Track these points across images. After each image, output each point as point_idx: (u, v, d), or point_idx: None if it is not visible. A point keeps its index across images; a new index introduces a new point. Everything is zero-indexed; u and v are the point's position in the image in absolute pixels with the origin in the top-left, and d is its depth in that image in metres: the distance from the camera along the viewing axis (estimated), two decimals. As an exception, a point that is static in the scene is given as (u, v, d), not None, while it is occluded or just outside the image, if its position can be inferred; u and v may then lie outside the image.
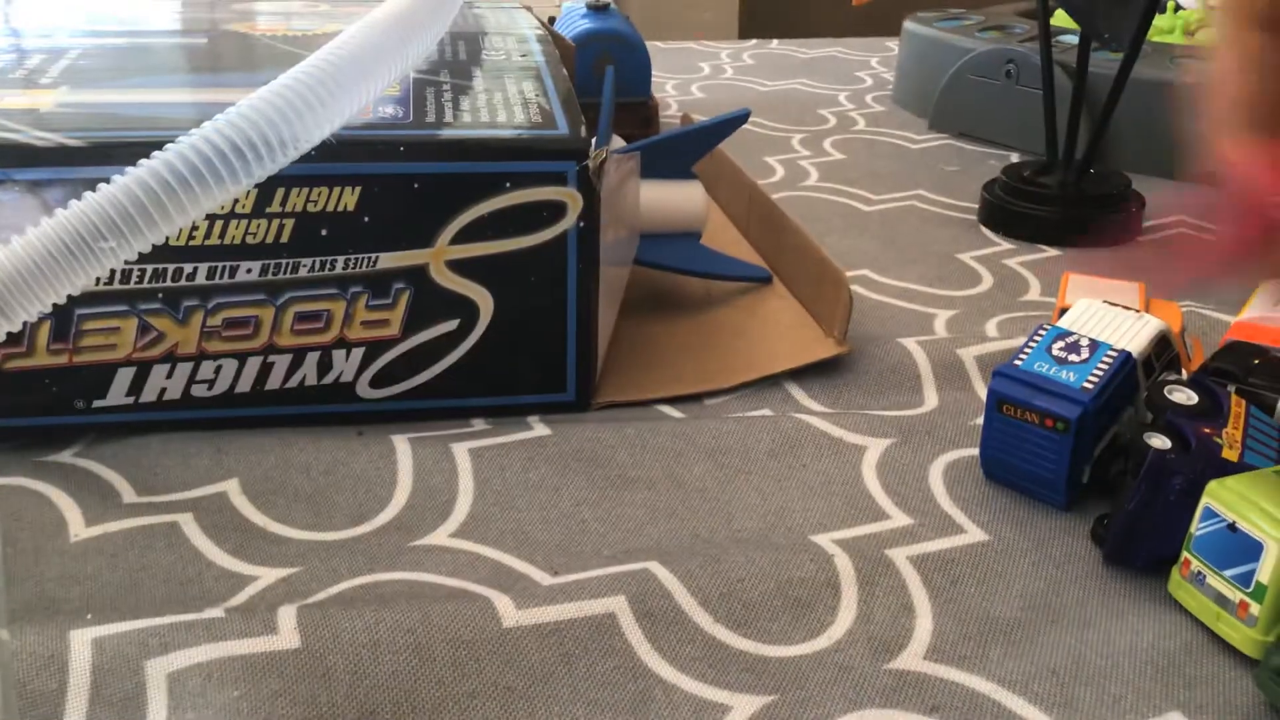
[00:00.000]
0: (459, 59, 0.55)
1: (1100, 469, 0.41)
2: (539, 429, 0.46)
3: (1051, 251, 0.67)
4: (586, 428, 0.47)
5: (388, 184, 0.44)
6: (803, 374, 0.51)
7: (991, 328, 0.56)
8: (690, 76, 1.11)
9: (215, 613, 0.34)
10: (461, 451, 0.45)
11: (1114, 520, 0.38)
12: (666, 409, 0.49)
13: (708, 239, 0.60)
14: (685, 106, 1.00)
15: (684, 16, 2.22)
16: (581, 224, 0.45)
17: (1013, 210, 0.70)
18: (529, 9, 0.70)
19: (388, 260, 0.44)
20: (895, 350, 0.53)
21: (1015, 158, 0.84)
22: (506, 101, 0.49)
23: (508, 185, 0.44)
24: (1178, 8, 1.02)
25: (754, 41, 1.30)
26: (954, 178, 0.80)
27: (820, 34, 1.32)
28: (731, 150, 0.68)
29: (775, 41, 1.29)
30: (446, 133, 0.45)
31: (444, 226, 0.44)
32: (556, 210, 0.45)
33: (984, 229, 0.71)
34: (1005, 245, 0.68)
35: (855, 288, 0.61)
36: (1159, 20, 0.97)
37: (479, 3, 0.70)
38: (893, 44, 1.26)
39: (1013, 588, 0.38)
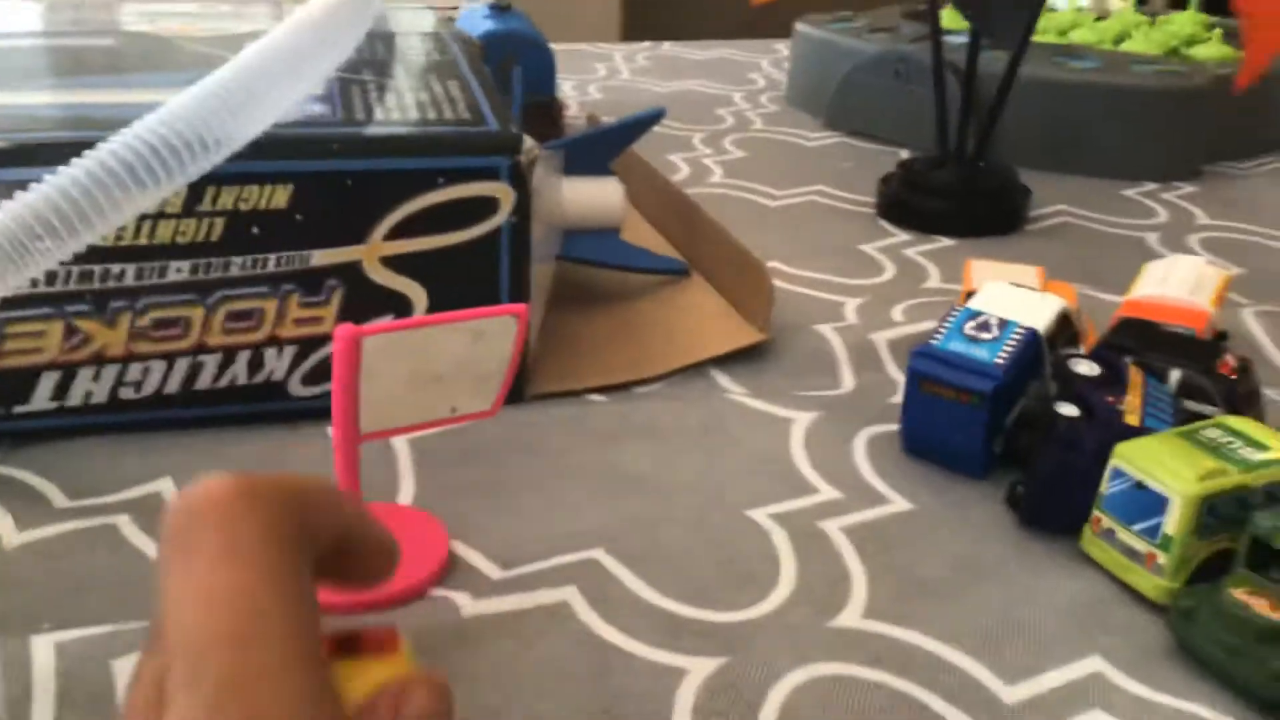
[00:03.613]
0: (379, 58, 0.55)
1: (1011, 441, 0.44)
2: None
3: (947, 241, 0.70)
4: (522, 417, 0.47)
5: (320, 181, 0.44)
6: (726, 361, 0.53)
7: (898, 313, 0.59)
8: (586, 77, 1.13)
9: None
10: (400, 444, 0.45)
11: (1028, 484, 0.41)
12: (597, 398, 0.50)
13: (624, 235, 0.62)
14: (585, 107, 1.01)
15: (565, 18, 2.24)
16: (514, 219, 0.46)
17: (909, 204, 0.73)
18: (433, 9, 0.70)
19: (320, 257, 0.45)
20: (812, 337, 0.55)
21: (905, 154, 0.88)
22: (434, 99, 0.49)
23: (440, 181, 0.45)
24: (1050, 9, 1.08)
25: (647, 44, 1.32)
26: (850, 174, 0.83)
27: (700, 36, 1.35)
28: (638, 149, 0.69)
29: (667, 44, 1.31)
30: (378, 130, 0.46)
31: (377, 223, 0.45)
32: (489, 205, 0.46)
33: (882, 221, 0.74)
34: (903, 236, 0.71)
35: (769, 279, 0.63)
36: (1033, 23, 1.02)
37: (385, 3, 0.70)
38: (781, 46, 1.30)
39: (938, 551, 0.40)
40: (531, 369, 0.50)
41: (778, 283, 0.63)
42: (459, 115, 0.48)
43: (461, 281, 0.46)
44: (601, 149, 0.60)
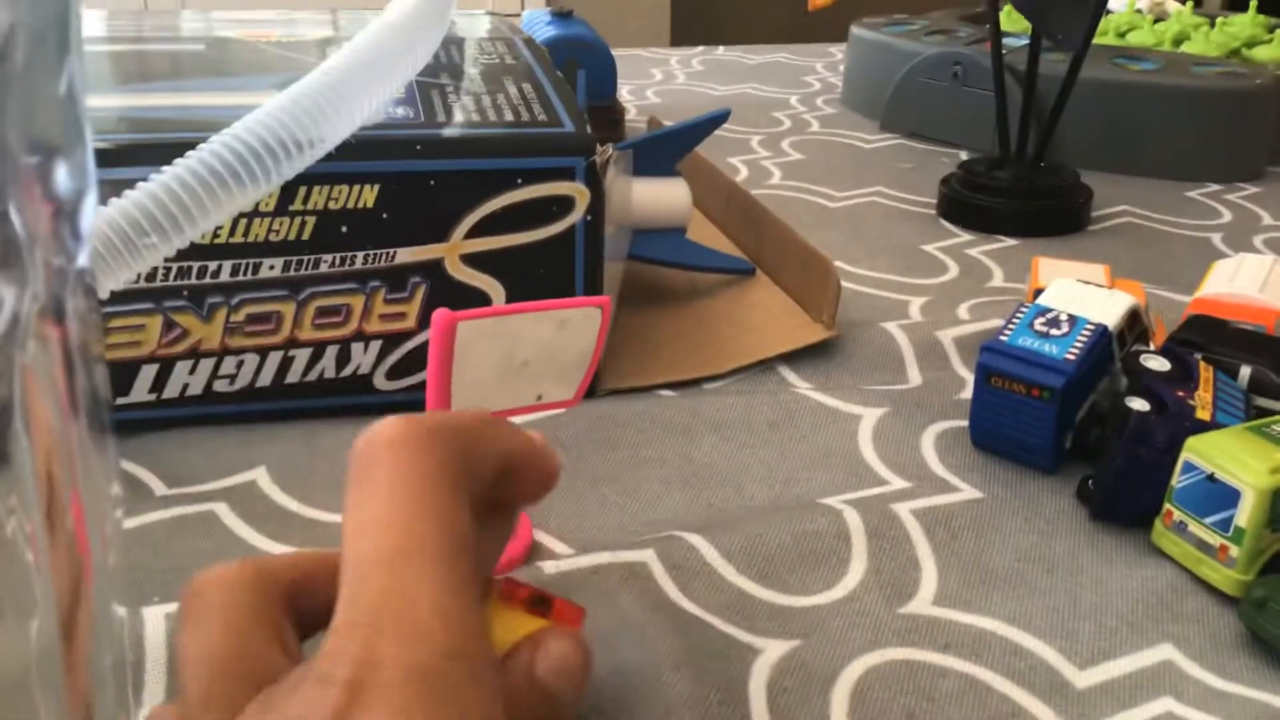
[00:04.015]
0: (454, 62, 0.57)
1: (1081, 436, 0.45)
2: (552, 412, 0.48)
3: (1009, 241, 0.71)
4: (597, 410, 0.49)
5: (405, 181, 0.45)
6: (794, 358, 0.54)
7: (963, 311, 0.60)
8: (644, 82, 1.14)
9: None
10: (481, 436, 0.47)
11: (1100, 478, 0.41)
12: (667, 393, 0.51)
13: (690, 234, 0.63)
14: (644, 111, 1.03)
15: (614, 26, 2.26)
16: (588, 218, 0.48)
17: (970, 203, 0.73)
18: (496, 15, 0.72)
19: (405, 255, 0.46)
20: (878, 334, 0.56)
21: (964, 155, 0.89)
22: (510, 101, 0.51)
23: (519, 181, 0.46)
24: (1107, 11, 1.08)
25: (701, 48, 1.33)
26: (910, 175, 0.84)
27: (748, 40, 1.36)
28: (700, 151, 0.71)
29: (721, 48, 1.32)
30: (459, 131, 0.47)
31: (459, 221, 0.46)
32: (565, 204, 0.47)
33: (944, 221, 0.74)
34: (965, 236, 0.72)
35: (832, 278, 0.64)
36: (1091, 24, 1.02)
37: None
38: (835, 49, 1.31)
39: (1008, 541, 0.41)
40: (604, 364, 0.51)
41: (843, 281, 0.64)
42: (535, 117, 0.49)
43: (538, 278, 0.48)
44: (668, 150, 0.61)
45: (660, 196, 0.60)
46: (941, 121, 0.92)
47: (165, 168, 0.32)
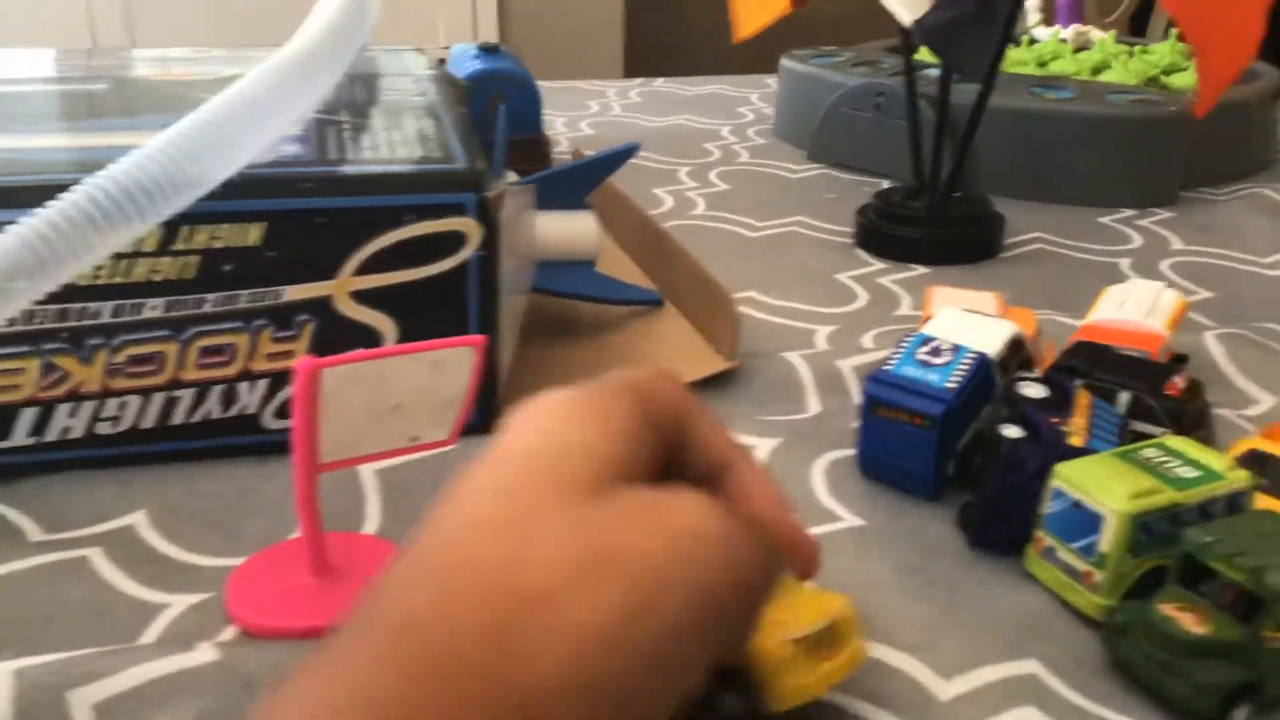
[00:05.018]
0: (357, 99, 0.57)
1: (964, 463, 0.45)
2: (440, 451, 0.48)
3: (921, 269, 0.72)
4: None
5: (291, 219, 0.45)
6: (696, 389, 0.54)
7: (868, 340, 0.60)
8: (579, 114, 1.15)
9: (133, 641, 0.35)
10: (368, 473, 0.46)
11: (975, 505, 0.41)
12: (567, 427, 0.51)
13: (601, 266, 0.63)
14: (576, 142, 1.03)
15: (569, 56, 2.27)
16: (481, 253, 0.48)
17: (885, 233, 0.74)
18: (421, 51, 0.72)
19: (292, 293, 0.46)
20: (780, 364, 0.56)
21: (887, 184, 0.90)
22: (406, 138, 0.51)
23: (408, 217, 0.46)
24: (1033, 41, 1.10)
25: (639, 80, 1.34)
26: (832, 205, 0.85)
27: (702, 72, 1.37)
28: (623, 182, 0.71)
29: (660, 80, 1.33)
30: (348, 169, 0.47)
31: (347, 259, 0.46)
32: (456, 240, 0.47)
33: (859, 251, 0.75)
34: (879, 265, 0.73)
35: (743, 308, 0.64)
36: (1015, 53, 1.04)
37: (372, 46, 0.72)
38: (772, 80, 1.32)
39: (887, 565, 0.41)
40: (503, 400, 0.51)
41: (753, 312, 0.64)
42: (428, 154, 0.49)
43: (430, 314, 0.48)
44: (576, 183, 0.62)
45: (567, 229, 0.61)
46: (866, 152, 0.93)
47: (38, 209, 0.32)
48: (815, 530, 0.43)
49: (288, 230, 0.45)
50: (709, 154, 1.00)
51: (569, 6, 2.33)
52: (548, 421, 0.26)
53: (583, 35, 2.44)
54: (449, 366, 0.38)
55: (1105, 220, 0.81)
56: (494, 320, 0.49)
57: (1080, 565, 0.37)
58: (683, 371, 0.54)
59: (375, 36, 0.70)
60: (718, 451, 0.28)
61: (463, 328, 0.49)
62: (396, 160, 0.48)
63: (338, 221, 0.46)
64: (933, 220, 0.74)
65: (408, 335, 0.48)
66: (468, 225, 0.47)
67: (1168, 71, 1.00)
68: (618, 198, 0.72)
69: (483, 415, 0.50)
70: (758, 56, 1.13)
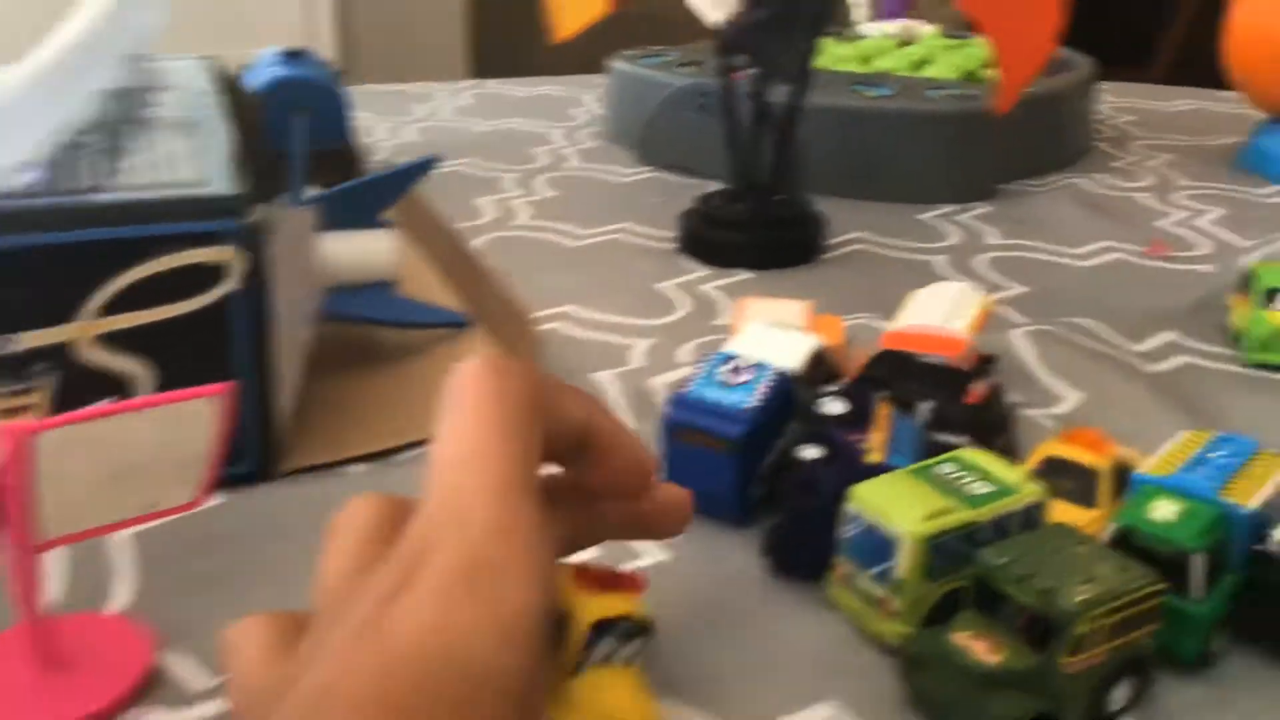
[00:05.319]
0: (118, 118, 0.52)
1: (773, 486, 0.43)
2: (212, 503, 0.44)
3: (745, 274, 0.70)
4: (269, 497, 0.45)
5: (19, 258, 0.41)
6: (498, 417, 0.51)
7: (684, 353, 0.58)
8: (405, 119, 1.10)
9: None
10: (122, 539, 0.42)
11: (775, 531, 0.40)
12: (358, 468, 0.47)
13: (408, 288, 0.60)
14: (401, 150, 0.99)
15: (412, 57, 2.21)
16: (246, 284, 0.44)
17: (707, 238, 0.73)
18: (216, 58, 0.67)
19: (26, 340, 0.41)
20: (588, 386, 0.54)
21: (715, 187, 0.88)
22: (164, 160, 0.46)
23: (155, 250, 0.42)
24: (859, 36, 1.10)
25: (472, 82, 1.30)
26: (658, 209, 0.83)
27: (549, 72, 1.34)
28: (440, 195, 0.68)
29: (493, 81, 1.30)
30: (89, 199, 0.43)
31: (88, 299, 0.42)
32: (214, 273, 0.43)
33: (682, 257, 0.73)
34: (703, 272, 0.71)
35: (556, 324, 0.62)
36: (838, 49, 1.04)
37: (159, 55, 0.67)
38: (601, 81, 1.29)
39: (688, 602, 0.39)
40: (285, 443, 0.47)
41: (568, 328, 0.62)
42: (180, 177, 0.45)
43: (191, 356, 0.44)
44: (369, 200, 0.58)
45: (361, 250, 0.57)
46: (695, 154, 0.91)
47: None
48: (624, 566, 0.40)
49: (16, 270, 0.41)
50: (535, 159, 0.97)
51: (412, 6, 2.28)
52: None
53: (424, 36, 2.38)
54: (187, 421, 0.34)
55: (924, 217, 0.81)
56: (267, 357, 0.45)
57: (878, 592, 0.36)
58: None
59: (185, 43, 0.64)
60: (578, 420, 0.29)
61: (227, 367, 0.44)
62: (144, 186, 0.44)
63: (75, 258, 0.41)
64: (754, 223, 0.72)
65: (168, 381, 0.43)
66: (227, 255, 0.43)
67: (987, 65, 1.02)
68: (425, 212, 0.69)
69: (260, 463, 0.46)
70: (603, 55, 1.10)
